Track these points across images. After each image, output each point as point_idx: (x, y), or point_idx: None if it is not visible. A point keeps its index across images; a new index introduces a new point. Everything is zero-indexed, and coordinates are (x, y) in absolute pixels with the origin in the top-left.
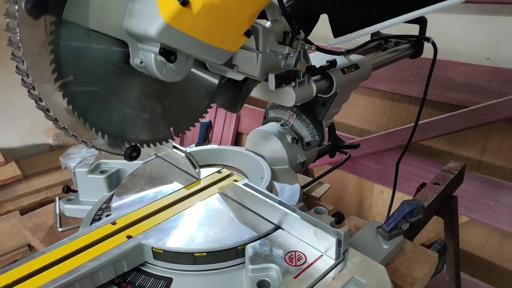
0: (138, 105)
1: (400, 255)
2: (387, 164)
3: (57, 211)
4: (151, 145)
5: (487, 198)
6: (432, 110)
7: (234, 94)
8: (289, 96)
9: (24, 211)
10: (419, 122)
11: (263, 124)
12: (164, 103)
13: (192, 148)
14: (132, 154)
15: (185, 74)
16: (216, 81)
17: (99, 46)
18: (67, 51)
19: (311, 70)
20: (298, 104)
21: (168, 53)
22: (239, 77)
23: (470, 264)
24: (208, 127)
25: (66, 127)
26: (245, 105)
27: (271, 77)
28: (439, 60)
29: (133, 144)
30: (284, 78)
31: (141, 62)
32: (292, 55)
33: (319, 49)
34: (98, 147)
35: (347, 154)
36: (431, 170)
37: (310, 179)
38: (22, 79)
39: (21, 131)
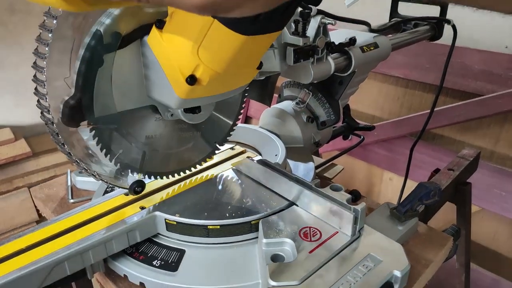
0: (182, 140)
1: (414, 237)
2: (398, 151)
3: (69, 183)
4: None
5: (499, 188)
6: (447, 97)
7: (261, 87)
8: (307, 72)
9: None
10: (434, 110)
11: (277, 103)
12: (202, 127)
13: None
14: (137, 189)
15: (211, 110)
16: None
17: (132, 117)
18: (106, 137)
19: (330, 47)
20: (314, 82)
21: (193, 109)
22: (262, 77)
23: (478, 254)
24: None
25: (77, 160)
26: None
27: (290, 51)
28: (456, 47)
29: (137, 179)
30: (303, 53)
31: (171, 115)
32: (308, 43)
33: (338, 18)
34: (106, 181)
35: (360, 137)
36: (443, 158)
37: (322, 160)
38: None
39: (31, 109)
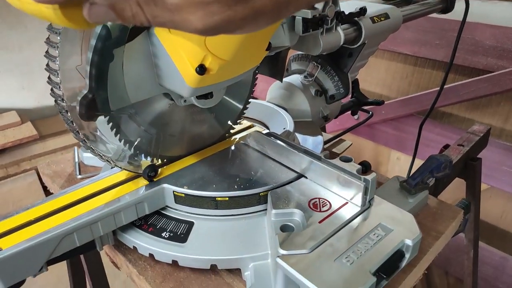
0: (196, 123)
1: (425, 210)
2: (405, 130)
3: (76, 159)
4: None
5: (508, 165)
6: (456, 75)
7: (272, 63)
8: (316, 43)
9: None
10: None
11: (285, 76)
12: (216, 108)
13: None
14: (150, 173)
15: (223, 93)
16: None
17: (146, 105)
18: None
19: (340, 16)
20: (323, 55)
21: (205, 95)
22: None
23: (486, 232)
24: None
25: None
26: None
27: (299, 20)
28: (467, 22)
29: (150, 164)
30: (312, 23)
31: (184, 101)
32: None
33: None
34: (121, 167)
35: (369, 113)
36: (452, 137)
37: (330, 136)
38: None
39: (36, 92)
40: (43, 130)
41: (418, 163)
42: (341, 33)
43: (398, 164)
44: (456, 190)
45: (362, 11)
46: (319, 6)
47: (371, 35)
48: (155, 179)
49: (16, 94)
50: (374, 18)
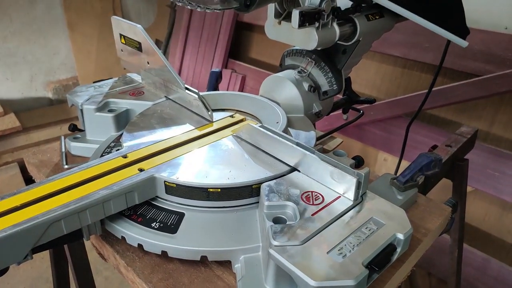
0: None
1: (414, 207)
2: (393, 131)
3: (63, 149)
4: None
5: (492, 168)
6: (445, 78)
7: None
8: (312, 37)
9: (22, 163)
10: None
11: (278, 72)
12: None
13: (204, 93)
14: (247, 2)
15: None
16: None
17: None
18: None
19: (336, 12)
20: (317, 50)
21: None
22: None
23: (469, 234)
24: (219, 76)
25: None
26: (250, 66)
27: (295, 13)
28: None
29: None
30: (309, 16)
31: None
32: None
33: None
34: (214, 8)
35: (359, 111)
36: (438, 139)
37: (322, 133)
38: None
39: (20, 83)
40: (27, 122)
41: (405, 164)
42: (336, 29)
43: (385, 165)
44: (441, 192)
45: (358, 8)
46: (316, 0)
47: (366, 32)
48: (146, 168)
49: (0, 85)
50: (369, 15)
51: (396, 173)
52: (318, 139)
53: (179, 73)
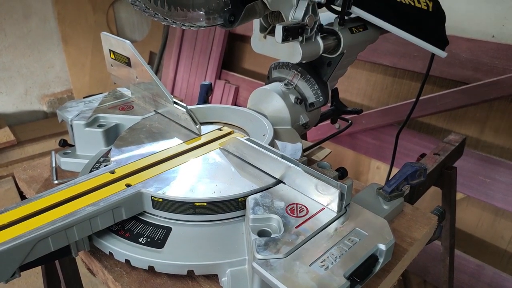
0: None
1: (400, 216)
2: (385, 140)
3: (53, 164)
4: None
5: (483, 175)
6: (434, 86)
7: (237, 9)
8: (296, 51)
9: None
10: (420, 98)
11: (266, 84)
12: None
13: (193, 106)
14: (231, 18)
15: None
16: None
17: None
18: None
19: (319, 26)
20: (303, 64)
21: None
22: None
23: (462, 241)
24: (209, 89)
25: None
26: (243, 77)
27: (279, 29)
28: None
29: (230, 8)
30: (292, 31)
31: None
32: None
33: (328, 6)
34: (199, 25)
35: (348, 121)
36: (429, 146)
37: (310, 143)
38: None
39: (15, 96)
40: (21, 136)
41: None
42: (320, 42)
43: (378, 173)
44: (433, 199)
45: (341, 21)
46: (300, 15)
47: (350, 45)
48: (133, 184)
49: None
50: (353, 28)
51: (388, 178)
52: (306, 150)
53: (173, 85)
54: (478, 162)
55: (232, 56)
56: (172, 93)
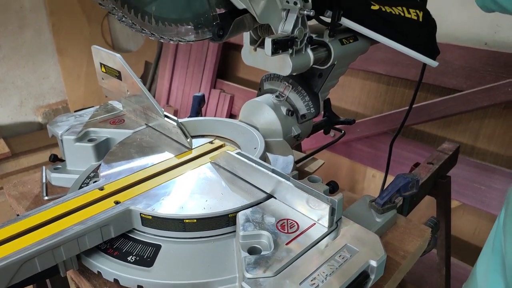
0: None
1: (393, 229)
2: (380, 148)
3: (44, 180)
4: None
5: (478, 182)
6: (428, 94)
7: (226, 23)
8: (286, 64)
9: None
10: (414, 106)
11: (258, 96)
12: None
13: (184, 119)
14: (219, 32)
15: None
16: None
17: None
18: None
19: (309, 38)
20: (294, 75)
21: None
22: (240, 4)
23: (460, 249)
24: (201, 100)
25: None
26: (238, 86)
27: (268, 42)
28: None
29: (219, 22)
30: (281, 44)
31: None
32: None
33: (317, 18)
34: (188, 40)
35: (341, 132)
36: (424, 154)
37: (303, 154)
38: None
39: (10, 108)
40: (16, 148)
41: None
42: (310, 54)
43: (373, 181)
44: (429, 208)
45: (331, 33)
46: (289, 27)
47: (340, 56)
48: (122, 201)
49: None
50: (343, 39)
51: (383, 188)
52: (299, 161)
53: (168, 94)
54: (473, 170)
55: (226, 65)
56: (167, 103)
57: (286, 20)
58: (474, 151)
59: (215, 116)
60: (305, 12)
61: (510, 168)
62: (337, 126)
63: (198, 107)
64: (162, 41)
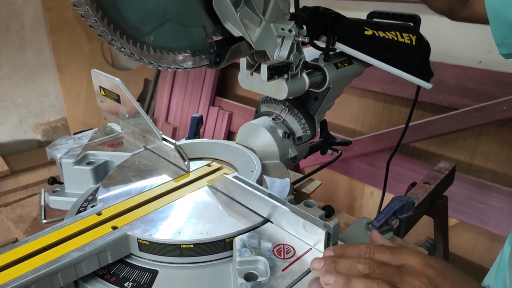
0: None
1: None
2: (378, 165)
3: (42, 203)
4: None
5: (476, 200)
6: (424, 112)
7: (223, 50)
8: (282, 88)
9: None
10: (410, 124)
11: (255, 118)
12: None
13: (182, 142)
14: (216, 59)
15: None
16: None
17: None
18: None
19: (304, 63)
20: (290, 98)
21: None
22: (236, 32)
23: (459, 267)
24: (199, 121)
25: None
26: (237, 103)
27: (264, 68)
28: (431, 62)
29: (215, 49)
30: (277, 70)
31: None
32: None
33: (312, 43)
34: (185, 67)
35: (338, 152)
36: (422, 172)
37: (300, 175)
38: None
39: (9, 126)
40: (15, 165)
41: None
42: (306, 79)
43: (372, 199)
44: (427, 226)
45: (326, 57)
46: (284, 53)
47: (335, 79)
48: (119, 226)
49: None
50: (338, 63)
51: (379, 209)
52: (296, 182)
53: (167, 112)
54: (470, 187)
55: (225, 83)
56: (166, 120)
57: (281, 46)
58: (471, 168)
59: (213, 133)
60: (300, 38)
61: (507, 185)
62: (334, 147)
63: (196, 128)
64: (160, 68)
